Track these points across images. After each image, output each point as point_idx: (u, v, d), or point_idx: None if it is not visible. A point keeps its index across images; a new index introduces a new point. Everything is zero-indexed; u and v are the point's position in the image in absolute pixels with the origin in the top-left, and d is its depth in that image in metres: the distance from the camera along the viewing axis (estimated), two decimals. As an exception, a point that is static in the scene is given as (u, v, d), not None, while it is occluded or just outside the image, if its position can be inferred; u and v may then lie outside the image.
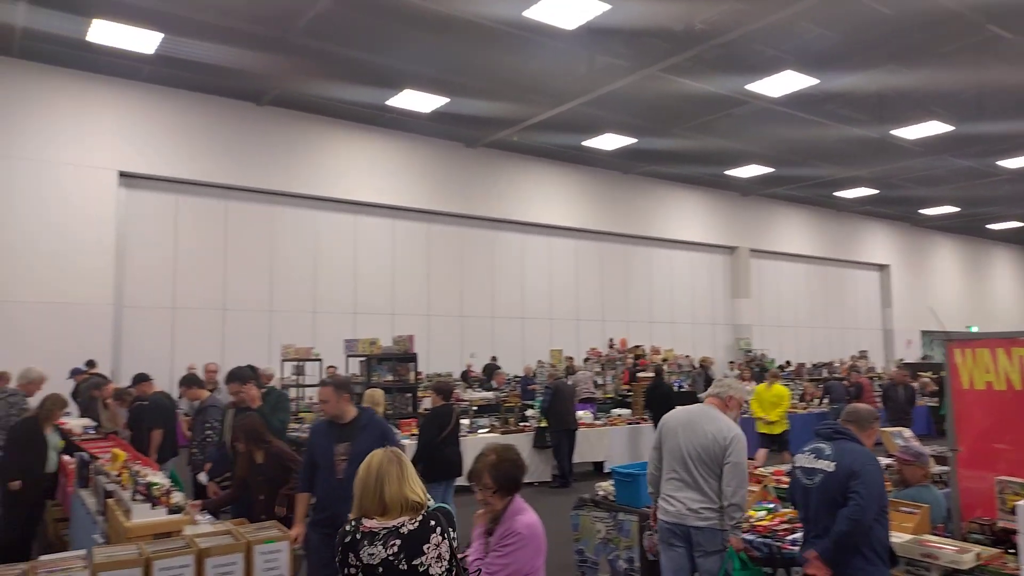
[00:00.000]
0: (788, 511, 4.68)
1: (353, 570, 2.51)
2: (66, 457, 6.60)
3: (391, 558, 2.47)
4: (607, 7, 10.29)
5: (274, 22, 10.98)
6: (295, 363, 13.13)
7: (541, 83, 13.34)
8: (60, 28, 11.24)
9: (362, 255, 16.50)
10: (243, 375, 5.54)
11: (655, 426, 10.90)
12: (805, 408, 14.48)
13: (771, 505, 4.87)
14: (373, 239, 16.69)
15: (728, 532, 4.00)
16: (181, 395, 7.61)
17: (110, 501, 4.42)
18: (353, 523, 2.61)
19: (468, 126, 16.16)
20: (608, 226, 20.26)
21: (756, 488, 4.95)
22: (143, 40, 11.53)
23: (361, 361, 11.81)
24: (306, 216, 15.77)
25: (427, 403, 11.09)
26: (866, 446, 3.71)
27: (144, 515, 4.02)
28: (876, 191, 22.18)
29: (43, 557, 3.69)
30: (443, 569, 2.55)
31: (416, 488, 2.65)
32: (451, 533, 2.66)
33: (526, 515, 3.09)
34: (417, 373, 11.90)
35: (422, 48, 11.94)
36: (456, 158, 17.58)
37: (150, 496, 4.19)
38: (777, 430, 10.26)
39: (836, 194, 22.87)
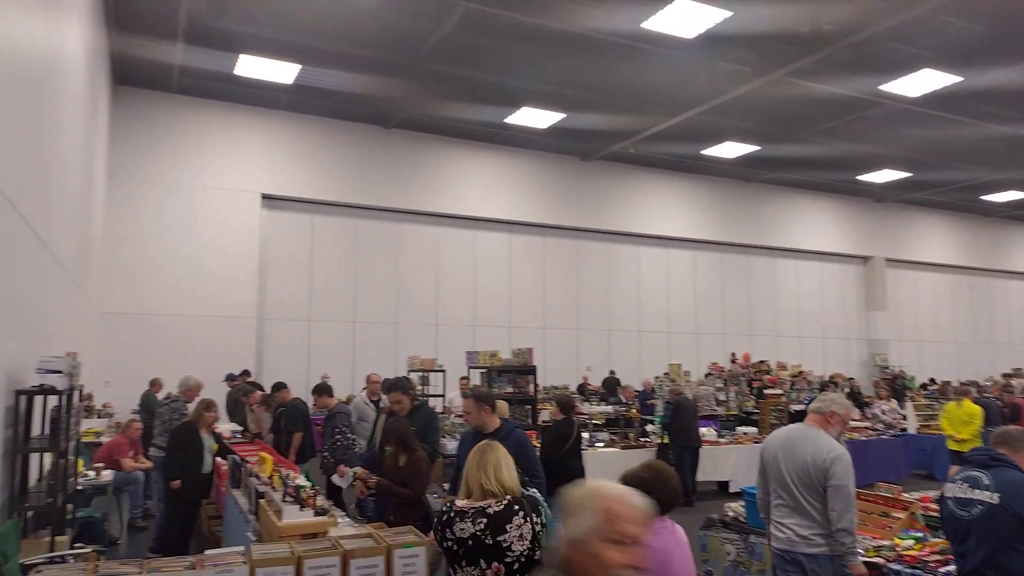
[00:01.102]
0: (939, 541, 4.37)
1: (449, 543, 2.85)
2: (218, 459, 7.18)
3: (479, 533, 2.78)
4: (728, 14, 10.07)
5: (400, 49, 11.54)
6: (420, 374, 13.59)
7: (659, 93, 13.21)
8: (211, 64, 12.32)
9: (480, 269, 16.90)
10: (404, 385, 5.82)
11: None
12: (952, 430, 13.34)
13: (919, 534, 4.56)
14: (491, 253, 17.06)
15: (845, 559, 3.75)
16: (314, 403, 8.10)
17: (262, 502, 4.77)
18: (448, 504, 2.98)
19: (584, 140, 16.23)
20: (729, 236, 19.67)
21: (903, 515, 4.66)
22: (283, 71, 12.45)
23: (482, 373, 12.06)
24: (428, 232, 16.37)
25: (544, 415, 11.19)
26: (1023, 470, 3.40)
27: (294, 516, 4.31)
28: (1031, 194, 20.28)
29: (207, 552, 4.03)
30: (524, 547, 2.79)
31: (506, 478, 2.98)
32: (534, 518, 2.87)
33: (657, 537, 2.98)
34: (536, 386, 12.00)
35: (540, 66, 12.15)
36: (572, 172, 17.69)
37: (299, 498, 4.50)
38: (968, 447, 9.60)
39: (983, 198, 21.09)
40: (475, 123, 15.33)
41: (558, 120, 14.68)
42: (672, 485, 3.05)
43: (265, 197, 14.57)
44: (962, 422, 10.02)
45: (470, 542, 2.80)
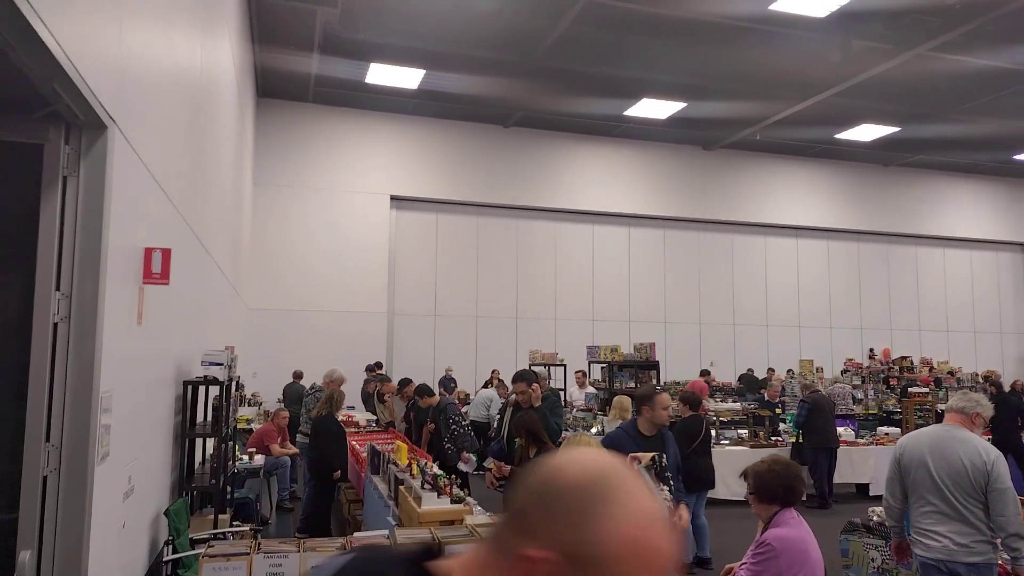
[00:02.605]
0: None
1: None
2: (353, 444, 7.61)
3: None
4: (865, -12, 9.49)
5: (519, 48, 11.70)
6: (542, 367, 13.75)
7: (787, 77, 12.63)
8: (344, 73, 13.00)
9: (599, 263, 16.84)
10: (528, 376, 5.97)
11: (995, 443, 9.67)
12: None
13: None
14: (610, 247, 16.96)
15: (1014, 564, 3.50)
16: (419, 401, 8.33)
17: (401, 488, 5.03)
18: None
19: (706, 128, 15.78)
20: (865, 224, 18.50)
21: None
22: (409, 77, 12.96)
23: (603, 367, 12.04)
24: (548, 228, 16.50)
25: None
26: None
27: (432, 503, 4.53)
28: None
29: (355, 534, 4.31)
30: None
31: None
32: None
33: (784, 529, 3.04)
34: (659, 380, 11.84)
35: (661, 56, 11.94)
36: (692, 162, 17.25)
37: (436, 486, 4.71)
38: None
39: None
40: (593, 117, 15.27)
41: (678, 110, 14.37)
42: (803, 479, 3.17)
43: (393, 198, 15.22)
44: None
45: None
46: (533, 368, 10.27)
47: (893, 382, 15.17)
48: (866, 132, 15.69)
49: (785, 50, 11.58)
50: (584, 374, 12.42)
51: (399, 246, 15.39)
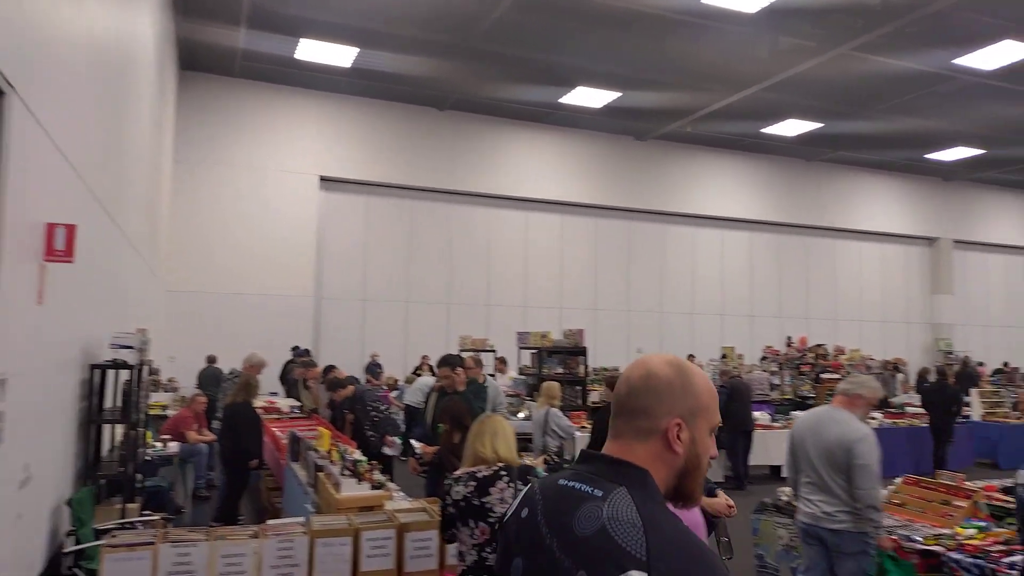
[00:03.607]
0: (1003, 531, 4.25)
1: (451, 507, 3.14)
2: (275, 432, 7.44)
3: (469, 495, 3.10)
4: (791, -13, 9.76)
5: (455, 30, 11.56)
6: (472, 353, 13.75)
7: (718, 70, 12.91)
8: (273, 49, 12.58)
9: (533, 250, 16.92)
10: (454, 361, 5.92)
11: (932, 432, 10.34)
12: (1020, 418, 12.85)
13: (983, 524, 4.44)
14: (543, 234, 17.06)
15: (871, 534, 3.96)
16: (331, 397, 8.18)
17: (321, 475, 4.94)
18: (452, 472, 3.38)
19: (639, 119, 16.01)
20: (787, 217, 19.18)
21: (965, 504, 4.54)
22: (342, 55, 12.63)
23: (532, 353, 12.14)
24: (481, 214, 16.45)
25: (594, 396, 11.20)
26: None
27: (351, 489, 4.45)
28: (1117, 172, 19.14)
29: (270, 522, 4.21)
30: (504, 509, 3.11)
31: (501, 447, 3.31)
32: (518, 484, 3.13)
33: (684, 513, 3.13)
34: (586, 366, 12.01)
35: (597, 44, 12.01)
36: (626, 152, 17.49)
37: (356, 472, 4.65)
38: None
39: (1064, 176, 20.01)
40: (529, 103, 15.27)
41: (613, 99, 14.51)
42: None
43: (323, 179, 14.87)
44: None
45: (462, 503, 3.10)
46: (464, 353, 10.24)
47: (807, 368, 15.84)
48: (791, 127, 16.22)
49: (716, 44, 11.83)
50: (503, 361, 12.50)
51: (328, 228, 15.06)
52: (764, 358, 16.86)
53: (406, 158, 15.43)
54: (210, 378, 11.24)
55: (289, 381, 11.06)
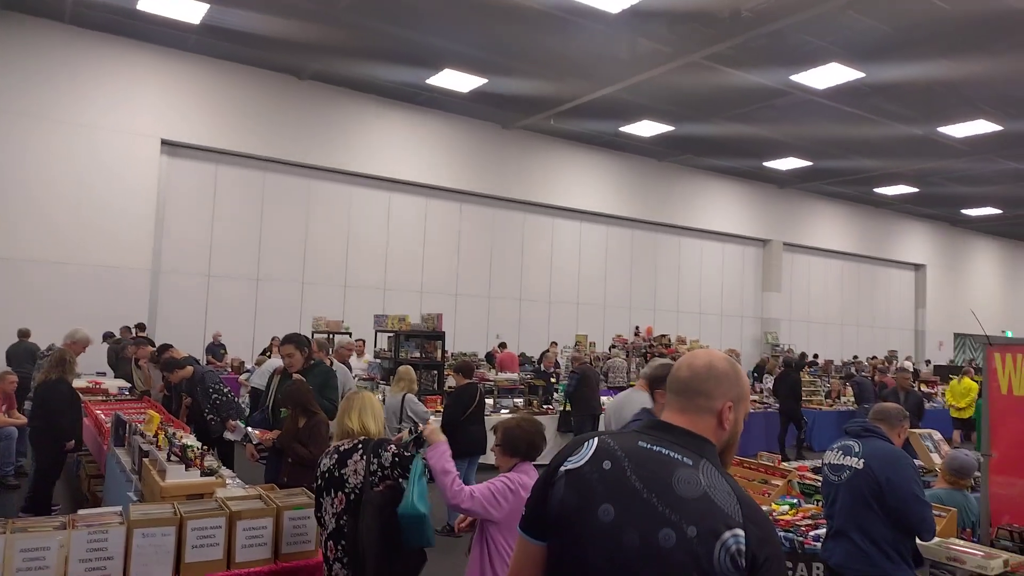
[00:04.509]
0: (811, 507, 4.67)
1: (320, 480, 3.46)
2: (99, 415, 6.80)
3: (331, 466, 3.43)
4: (652, -9, 10.15)
5: (317, -4, 11.04)
6: (325, 336, 13.30)
7: (581, 67, 13.24)
8: (109, -5, 11.42)
9: (394, 232, 16.62)
10: (299, 339, 5.63)
11: (780, 412, 11.39)
12: (831, 405, 14.32)
13: (794, 500, 4.86)
14: (405, 217, 16.80)
15: None
16: (167, 378, 7.65)
17: (146, 461, 4.56)
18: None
19: (505, 107, 16.11)
20: (640, 213, 20.13)
21: (781, 483, 4.94)
22: (190, 9, 11.67)
23: (389, 337, 11.93)
24: (341, 191, 15.92)
25: (450, 381, 11.20)
26: (896, 444, 3.67)
27: (178, 476, 4.13)
28: (917, 189, 21.70)
29: (81, 511, 3.81)
30: (359, 480, 3.41)
31: (367, 422, 3.58)
32: (371, 458, 3.40)
33: (523, 476, 3.24)
34: (444, 351, 11.99)
35: (465, 28, 11.91)
36: (491, 139, 17.57)
37: (184, 458, 4.31)
38: (966, 415, 11.99)
39: (875, 191, 22.43)
40: (395, 82, 14.92)
41: (480, 85, 14.48)
42: (544, 436, 3.48)
43: (165, 143, 13.73)
44: (961, 394, 12.24)
45: (327, 474, 3.42)
46: (317, 335, 9.87)
47: (650, 356, 16.74)
48: (646, 128, 16.97)
49: (580, 40, 12.11)
50: (364, 342, 12.23)
51: (170, 197, 13.95)
52: (613, 346, 17.62)
53: (260, 127, 14.58)
54: (23, 354, 10.10)
55: (121, 361, 10.18)
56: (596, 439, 1.64)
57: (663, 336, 18.63)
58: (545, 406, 10.99)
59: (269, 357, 11.65)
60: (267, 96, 14.65)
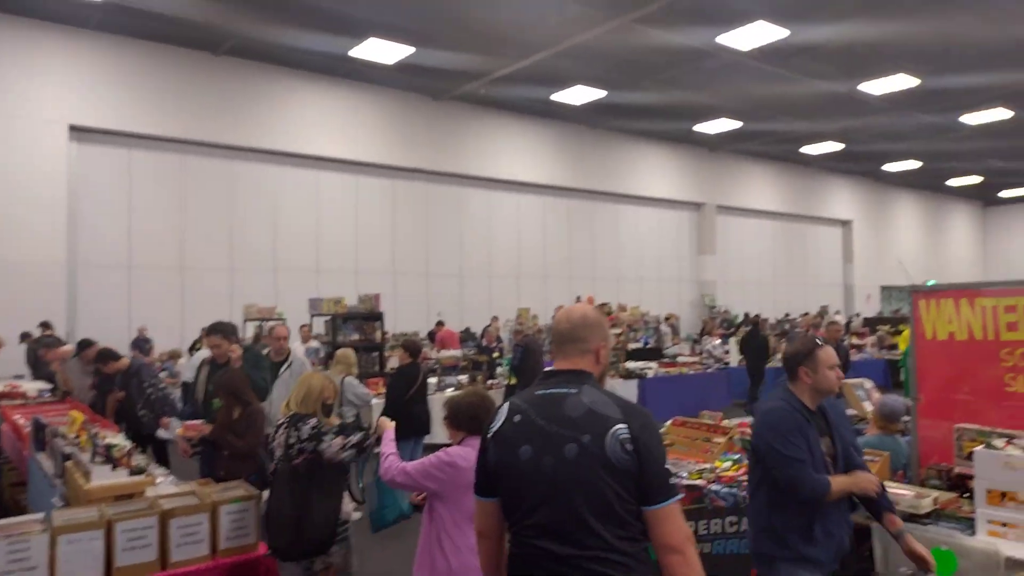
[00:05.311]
0: (753, 461, 4.75)
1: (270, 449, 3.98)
2: (17, 419, 6.43)
3: (270, 439, 3.93)
4: (576, -46, 10.00)
5: (229, -34, 10.48)
6: (258, 323, 12.93)
7: (510, 34, 13.03)
8: (-2, -30, 10.60)
9: (325, 212, 16.18)
10: (225, 328, 5.40)
11: (749, 372, 12.13)
12: (768, 363, 14.72)
13: (736, 456, 4.94)
14: (336, 195, 16.36)
15: None
16: (98, 371, 7.28)
17: (68, 464, 4.31)
18: None
19: (435, 78, 15.78)
20: (577, 182, 20.14)
21: (723, 440, 5.02)
22: (89, -16, 10.95)
23: (326, 320, 11.67)
24: (267, 171, 15.37)
25: (393, 362, 11.04)
26: None
27: (104, 477, 3.91)
28: (842, 146, 22.35)
29: (0, 521, 3.58)
30: (283, 451, 3.79)
31: (301, 400, 3.88)
32: (291, 432, 3.73)
33: (467, 449, 3.22)
34: (384, 332, 11.81)
35: (385, -5, 11.53)
36: (422, 111, 17.21)
37: (110, 458, 4.08)
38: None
39: (802, 150, 23.01)
40: (316, 53, 14.38)
41: (407, 55, 14.10)
42: (492, 409, 3.31)
43: (74, 128, 12.94)
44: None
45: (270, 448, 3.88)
46: (249, 323, 9.54)
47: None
48: (579, 95, 16.89)
49: (509, 6, 11.89)
50: (309, 328, 11.95)
51: (82, 186, 13.18)
52: (555, 317, 17.72)
53: (175, 108, 13.87)
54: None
55: (41, 362, 9.65)
56: (507, 403, 2.12)
57: (604, 304, 18.82)
58: (490, 381, 10.95)
59: (198, 349, 11.25)
60: (181, 75, 13.93)
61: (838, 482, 2.98)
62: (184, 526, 3.50)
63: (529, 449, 1.95)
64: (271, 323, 11.33)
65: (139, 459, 4.25)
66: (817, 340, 3.18)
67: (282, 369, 5.94)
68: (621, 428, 1.90)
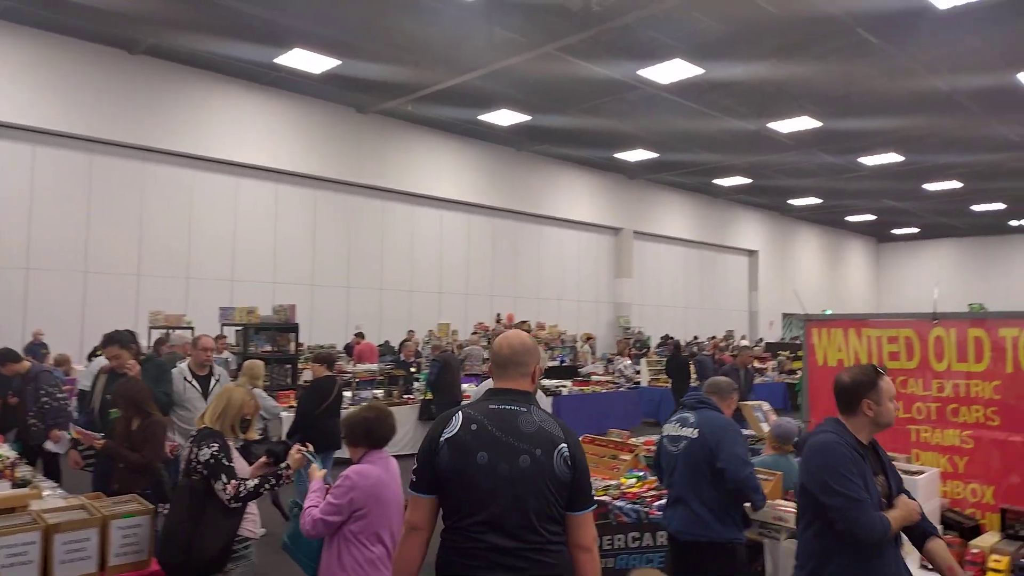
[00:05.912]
0: (656, 479, 4.92)
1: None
2: None
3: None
4: (506, -20, 10.20)
5: (149, -38, 10.16)
6: (164, 331, 12.38)
7: (438, 52, 13.11)
8: None
9: (242, 220, 15.74)
10: (122, 338, 5.16)
11: (673, 393, 12.31)
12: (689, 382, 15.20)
13: (640, 473, 5.10)
14: (255, 204, 15.95)
15: None
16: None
17: (-56, 476, 4.03)
18: None
19: (361, 91, 15.67)
20: (500, 202, 20.35)
21: (629, 457, 5.17)
22: (-7, -31, 10.38)
23: (237, 330, 11.32)
24: (181, 175, 14.84)
25: (307, 375, 10.81)
26: (726, 415, 3.95)
27: (-17, 490, 3.69)
28: (750, 180, 23.50)
29: None
30: (184, 465, 3.60)
31: (208, 415, 3.69)
32: (193, 447, 3.54)
33: (364, 466, 3.27)
34: (299, 344, 11.55)
35: (315, 5, 11.42)
36: (347, 124, 17.04)
37: (-9, 470, 3.86)
38: None
39: (714, 182, 24.04)
40: (240, 59, 14.06)
41: (333, 67, 13.95)
42: (390, 423, 3.46)
43: (-32, 119, 12.17)
44: None
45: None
46: (165, 331, 9.14)
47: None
48: (504, 117, 17.13)
49: (436, 24, 11.98)
50: (224, 339, 11.56)
51: (-24, 180, 12.39)
52: (475, 332, 17.77)
53: (85, 104, 13.24)
54: None
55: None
56: (460, 412, 2.37)
57: (524, 322, 19.01)
58: (406, 395, 10.87)
59: (98, 356, 10.69)
60: (93, 71, 13.31)
61: (893, 517, 2.68)
62: (70, 542, 3.34)
63: (486, 455, 2.26)
64: (179, 331, 10.90)
65: (24, 471, 4.03)
66: (879, 368, 2.87)
67: (211, 386, 5.72)
68: (564, 447, 2.29)
